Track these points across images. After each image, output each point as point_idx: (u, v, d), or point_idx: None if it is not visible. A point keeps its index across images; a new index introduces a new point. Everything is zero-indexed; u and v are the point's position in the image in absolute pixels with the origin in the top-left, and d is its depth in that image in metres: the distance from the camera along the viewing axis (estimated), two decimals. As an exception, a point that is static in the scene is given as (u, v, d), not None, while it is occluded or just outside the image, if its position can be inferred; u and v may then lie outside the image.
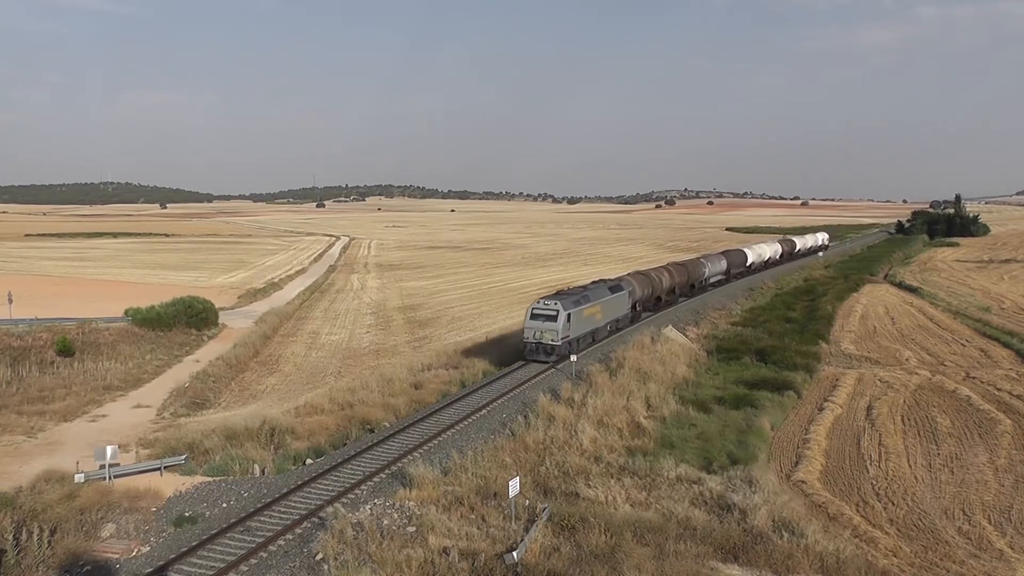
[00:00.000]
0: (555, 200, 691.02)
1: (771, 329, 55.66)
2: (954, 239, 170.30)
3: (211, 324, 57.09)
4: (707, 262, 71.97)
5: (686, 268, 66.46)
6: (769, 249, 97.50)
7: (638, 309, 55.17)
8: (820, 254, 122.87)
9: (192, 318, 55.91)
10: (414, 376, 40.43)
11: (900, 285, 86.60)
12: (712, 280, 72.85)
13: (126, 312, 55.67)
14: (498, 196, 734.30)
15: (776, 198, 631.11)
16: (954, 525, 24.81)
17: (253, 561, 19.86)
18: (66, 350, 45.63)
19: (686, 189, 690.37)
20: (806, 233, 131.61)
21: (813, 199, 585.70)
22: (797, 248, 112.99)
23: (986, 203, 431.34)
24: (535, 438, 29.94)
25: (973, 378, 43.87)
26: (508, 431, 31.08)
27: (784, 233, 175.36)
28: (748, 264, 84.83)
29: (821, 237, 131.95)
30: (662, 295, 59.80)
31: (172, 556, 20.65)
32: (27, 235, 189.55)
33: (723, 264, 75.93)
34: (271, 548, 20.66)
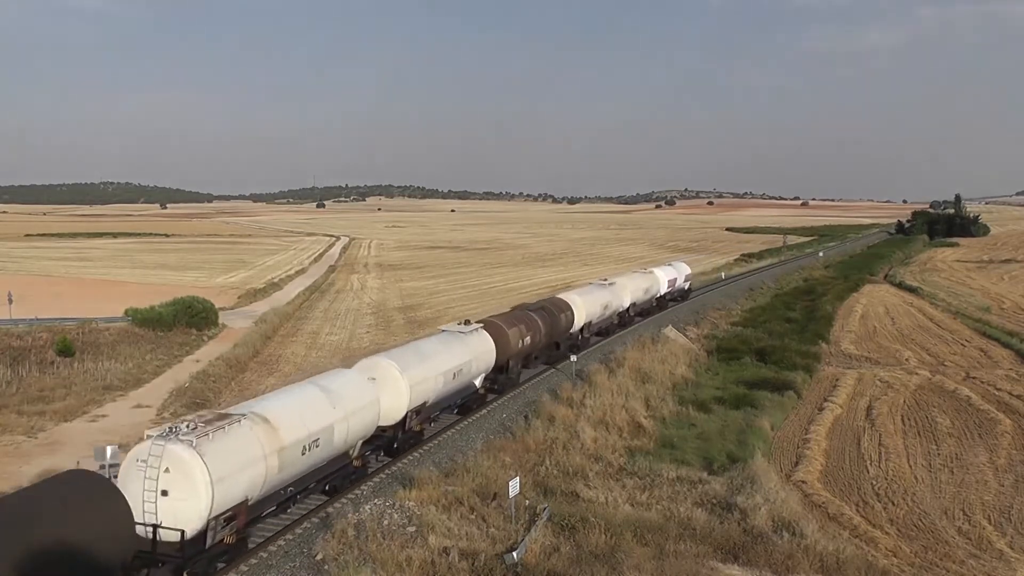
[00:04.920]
0: (555, 200, 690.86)
1: (771, 329, 55.75)
2: (954, 239, 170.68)
3: (211, 324, 57.02)
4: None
5: None
6: (452, 355, 29.35)
7: None
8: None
9: (192, 318, 55.86)
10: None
11: (900, 285, 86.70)
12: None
13: (126, 312, 55.62)
14: (498, 196, 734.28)
15: (776, 198, 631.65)
16: (954, 525, 24.83)
17: (253, 561, 19.88)
18: (66, 350, 45.57)
19: (686, 189, 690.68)
20: (620, 276, 56.74)
21: (813, 199, 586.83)
22: (572, 326, 43.00)
23: (986, 203, 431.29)
24: (535, 438, 29.96)
25: (973, 378, 43.91)
26: (508, 431, 31.10)
27: (784, 232, 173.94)
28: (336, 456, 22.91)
29: (667, 277, 62.33)
30: None
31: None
32: (27, 235, 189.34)
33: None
34: (271, 548, 20.66)
